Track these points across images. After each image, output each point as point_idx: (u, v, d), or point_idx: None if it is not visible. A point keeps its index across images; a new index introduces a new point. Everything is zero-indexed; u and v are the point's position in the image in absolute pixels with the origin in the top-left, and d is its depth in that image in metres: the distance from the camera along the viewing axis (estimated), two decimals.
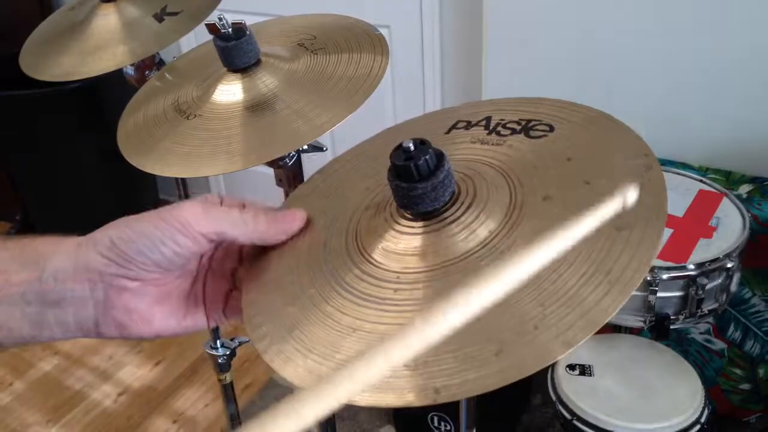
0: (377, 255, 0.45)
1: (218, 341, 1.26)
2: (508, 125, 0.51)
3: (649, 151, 0.45)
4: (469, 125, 0.53)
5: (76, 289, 0.44)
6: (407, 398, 0.37)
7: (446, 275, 0.42)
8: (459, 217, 0.44)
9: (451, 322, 0.28)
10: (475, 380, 0.36)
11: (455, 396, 0.36)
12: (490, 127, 0.51)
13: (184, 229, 0.44)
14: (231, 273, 0.51)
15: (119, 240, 0.44)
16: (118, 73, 1.04)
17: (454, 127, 0.54)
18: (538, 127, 0.49)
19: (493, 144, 0.49)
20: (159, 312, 0.47)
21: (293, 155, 0.83)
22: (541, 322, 0.37)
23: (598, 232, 0.37)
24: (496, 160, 0.48)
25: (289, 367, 0.41)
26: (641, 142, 0.45)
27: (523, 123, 0.50)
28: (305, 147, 0.80)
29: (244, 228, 0.47)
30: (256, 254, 0.50)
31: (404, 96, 1.86)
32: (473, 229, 0.43)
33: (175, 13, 0.99)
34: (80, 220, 2.41)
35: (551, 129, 0.49)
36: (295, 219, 0.50)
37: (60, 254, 0.44)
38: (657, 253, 0.39)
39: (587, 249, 0.39)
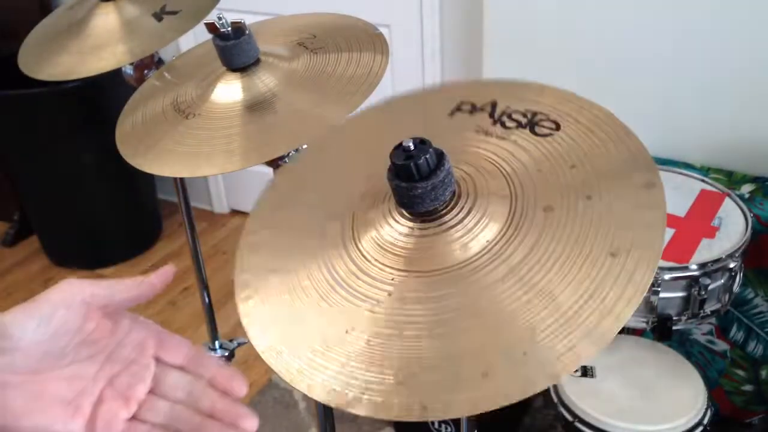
0: (374, 254, 0.44)
1: (217, 342, 1.26)
2: (513, 116, 0.50)
3: (652, 166, 0.44)
4: (473, 109, 0.51)
5: None
6: (394, 412, 0.36)
7: (441, 282, 0.41)
8: (457, 223, 0.43)
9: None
10: (463, 401, 0.36)
11: (442, 415, 0.36)
12: (495, 116, 0.50)
13: (65, 301, 0.45)
14: (138, 398, 0.49)
15: (4, 325, 0.43)
16: (118, 73, 1.03)
17: (458, 109, 0.52)
18: (545, 123, 0.48)
19: (497, 137, 0.48)
20: (32, 412, 0.45)
21: (293, 154, 0.83)
22: (530, 348, 0.36)
23: (593, 257, 0.37)
24: (500, 158, 0.47)
25: (280, 363, 0.41)
26: (645, 154, 0.45)
27: (530, 116, 0.49)
28: (305, 146, 0.79)
29: (122, 285, 0.48)
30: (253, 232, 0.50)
31: None
32: (472, 236, 0.42)
33: (175, 12, 0.99)
34: (79, 220, 2.39)
35: (557, 127, 0.48)
36: (167, 272, 0.50)
37: None
38: (649, 283, 0.38)
39: (582, 274, 0.38)
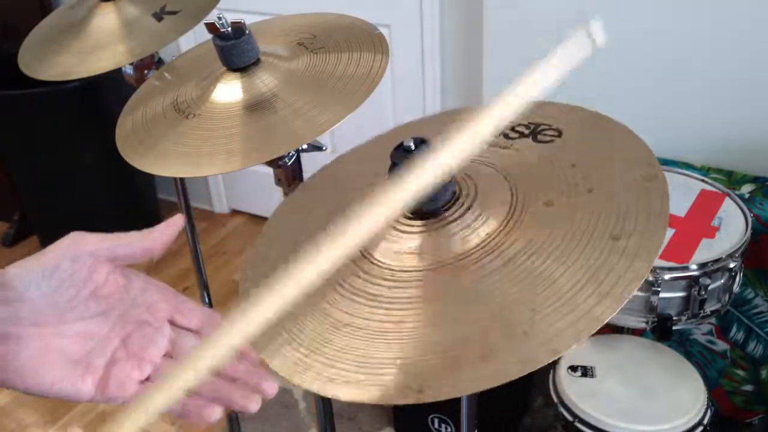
0: (376, 252, 0.44)
1: None
2: (517, 128, 0.50)
3: (654, 161, 0.44)
4: None
5: None
6: (390, 395, 0.36)
7: (442, 275, 0.41)
8: (458, 218, 0.43)
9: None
10: (459, 382, 0.36)
11: (437, 397, 0.36)
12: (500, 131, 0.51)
13: (71, 253, 0.44)
14: (152, 360, 0.48)
15: (9, 276, 0.43)
16: (118, 73, 1.03)
17: None
18: (547, 132, 0.49)
19: (499, 147, 0.49)
20: (36, 368, 0.44)
21: (293, 155, 0.83)
22: (530, 327, 0.37)
23: (594, 240, 0.37)
24: (500, 162, 0.47)
25: (277, 359, 0.41)
26: (647, 151, 0.45)
27: (533, 126, 0.50)
28: (305, 146, 0.79)
29: (129, 239, 0.46)
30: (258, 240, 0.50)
31: (404, 95, 1.86)
32: (472, 231, 0.43)
33: (175, 12, 0.99)
34: (79, 220, 2.39)
35: (559, 134, 0.49)
36: (176, 223, 0.49)
37: None
38: (651, 265, 0.38)
39: (583, 256, 0.39)
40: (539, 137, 0.49)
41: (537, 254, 0.40)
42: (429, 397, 0.36)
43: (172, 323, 0.49)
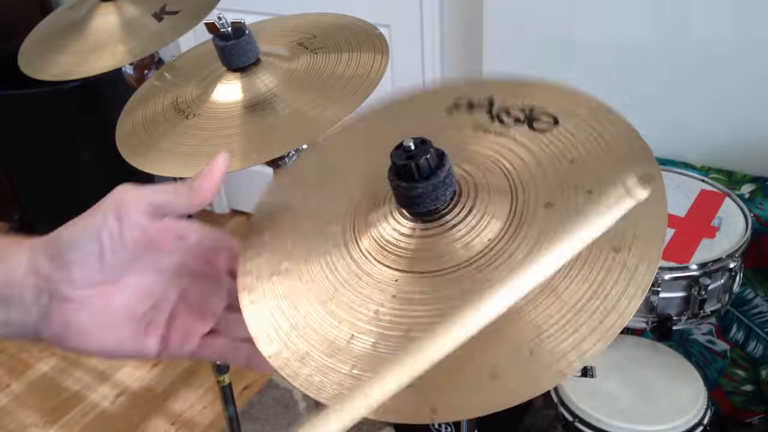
0: (377, 255, 0.44)
1: None
2: (511, 112, 0.49)
3: (652, 159, 0.44)
4: (471, 106, 0.51)
5: (24, 293, 0.42)
6: (405, 415, 0.36)
7: (445, 282, 0.41)
8: (459, 222, 0.43)
9: (454, 337, 0.28)
10: (471, 403, 0.36)
11: (451, 417, 0.36)
12: (493, 113, 0.50)
13: (117, 210, 0.42)
14: (214, 312, 0.47)
15: (60, 238, 0.42)
16: (117, 73, 1.03)
17: (455, 106, 0.52)
18: (543, 118, 0.48)
19: (496, 134, 0.48)
20: (99, 329, 0.43)
21: (293, 155, 0.83)
22: (536, 347, 0.36)
23: (596, 253, 0.36)
24: (500, 156, 0.47)
25: (289, 368, 0.41)
26: (644, 146, 0.44)
27: (527, 110, 0.49)
28: (305, 146, 0.79)
29: (174, 193, 0.44)
30: (255, 237, 0.48)
31: None
32: (474, 235, 0.42)
33: (175, 12, 0.99)
34: None
35: (556, 122, 0.47)
36: (218, 168, 0.45)
37: (17, 255, 0.42)
38: (652, 278, 0.38)
39: (585, 270, 0.38)
40: (535, 124, 0.48)
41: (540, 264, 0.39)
42: (441, 418, 0.35)
43: (232, 274, 0.47)
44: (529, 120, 0.48)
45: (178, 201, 0.44)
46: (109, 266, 0.42)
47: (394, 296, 0.41)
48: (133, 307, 0.45)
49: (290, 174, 0.55)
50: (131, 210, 0.42)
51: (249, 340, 0.43)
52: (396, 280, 0.42)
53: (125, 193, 0.43)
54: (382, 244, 0.44)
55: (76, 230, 0.42)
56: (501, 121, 0.49)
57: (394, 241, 0.44)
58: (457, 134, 0.49)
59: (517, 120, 0.48)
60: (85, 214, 0.43)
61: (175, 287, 0.46)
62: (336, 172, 0.52)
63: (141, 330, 0.45)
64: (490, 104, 0.50)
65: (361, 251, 0.45)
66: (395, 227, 0.44)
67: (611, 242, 0.38)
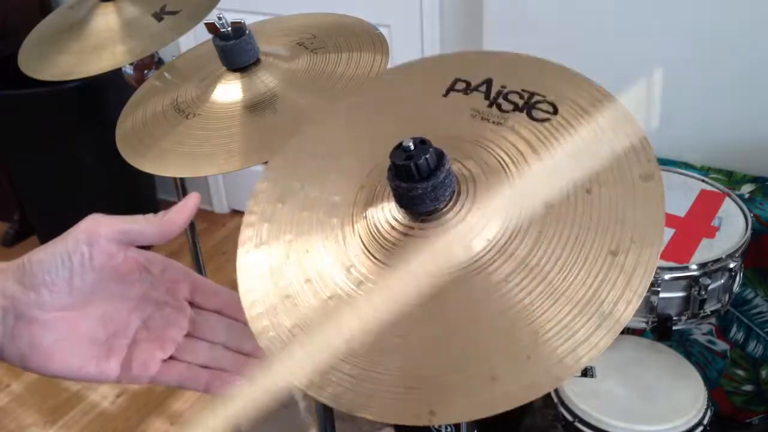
0: (378, 256, 0.44)
1: None
2: (509, 97, 0.48)
3: (652, 156, 0.43)
4: (468, 88, 0.50)
5: None
6: (404, 417, 0.36)
7: (445, 283, 0.41)
8: (459, 223, 0.43)
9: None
10: (470, 406, 0.36)
11: (449, 419, 0.36)
12: (491, 97, 0.49)
13: (88, 237, 0.44)
14: (174, 339, 0.49)
15: (30, 262, 0.43)
16: (117, 73, 1.03)
17: (452, 87, 0.51)
18: (541, 106, 0.47)
19: (494, 122, 0.47)
20: (62, 352, 0.45)
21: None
22: (533, 351, 0.36)
23: (594, 256, 0.36)
24: (498, 147, 0.46)
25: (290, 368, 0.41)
26: (644, 142, 0.44)
27: (526, 97, 0.48)
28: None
29: (145, 222, 0.46)
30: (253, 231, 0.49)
31: None
32: (473, 236, 0.42)
33: (175, 12, 0.98)
34: (79, 220, 2.39)
35: (555, 111, 0.47)
36: (190, 204, 0.48)
37: None
38: (649, 282, 0.37)
39: (583, 274, 0.38)
40: (533, 113, 0.47)
41: (538, 268, 0.39)
42: (439, 420, 0.35)
43: (192, 304, 0.49)
44: (528, 107, 0.47)
45: (149, 229, 0.46)
46: (78, 290, 0.44)
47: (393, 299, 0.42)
48: (96, 332, 0.46)
49: (283, 163, 0.54)
50: (101, 237, 0.44)
51: (207, 366, 0.47)
52: (396, 282, 0.42)
53: (96, 221, 0.45)
54: (382, 244, 0.44)
55: (47, 254, 0.44)
56: (499, 107, 0.48)
57: (394, 242, 0.44)
58: (454, 121, 0.48)
59: (516, 107, 0.47)
60: (56, 240, 0.45)
61: (139, 315, 0.48)
62: (329, 160, 0.52)
63: (103, 354, 0.46)
64: (488, 86, 0.49)
65: (360, 251, 0.44)
66: (396, 227, 0.44)
67: (608, 246, 0.38)
